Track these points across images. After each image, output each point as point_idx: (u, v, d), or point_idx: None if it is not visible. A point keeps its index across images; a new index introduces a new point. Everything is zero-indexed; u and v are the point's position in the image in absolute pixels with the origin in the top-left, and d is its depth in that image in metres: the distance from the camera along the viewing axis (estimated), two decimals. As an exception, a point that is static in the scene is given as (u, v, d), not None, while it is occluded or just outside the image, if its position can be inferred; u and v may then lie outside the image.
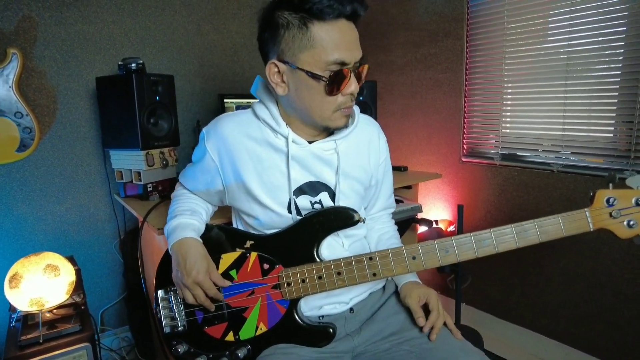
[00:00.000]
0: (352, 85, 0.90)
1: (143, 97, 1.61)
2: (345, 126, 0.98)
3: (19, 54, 1.62)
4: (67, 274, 1.38)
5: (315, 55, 0.86)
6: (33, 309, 1.31)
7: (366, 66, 0.94)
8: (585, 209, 0.89)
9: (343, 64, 0.87)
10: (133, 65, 1.64)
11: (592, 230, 0.89)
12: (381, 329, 1.01)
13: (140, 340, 1.97)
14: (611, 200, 0.88)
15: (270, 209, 0.98)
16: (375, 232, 1.17)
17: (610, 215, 0.88)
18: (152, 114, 1.68)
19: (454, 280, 2.08)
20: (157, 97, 1.67)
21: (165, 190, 1.74)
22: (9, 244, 1.73)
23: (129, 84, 1.59)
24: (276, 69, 0.91)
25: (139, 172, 1.68)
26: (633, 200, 0.87)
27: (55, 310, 1.40)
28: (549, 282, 1.91)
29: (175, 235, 0.98)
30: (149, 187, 1.69)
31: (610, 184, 0.89)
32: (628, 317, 1.68)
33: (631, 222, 0.87)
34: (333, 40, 0.86)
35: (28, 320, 1.37)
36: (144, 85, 1.61)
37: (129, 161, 1.70)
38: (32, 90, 1.73)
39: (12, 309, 1.39)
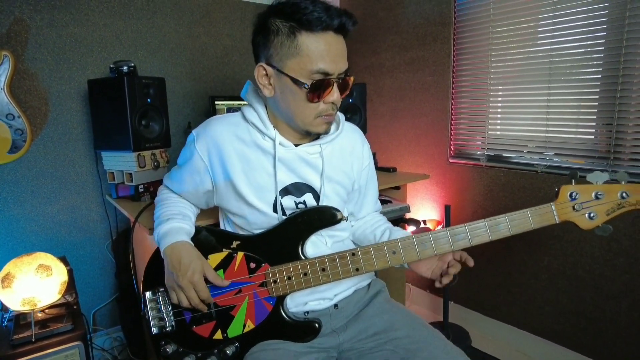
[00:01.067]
0: (333, 95, 0.94)
1: (135, 100, 1.64)
2: (326, 132, 1.01)
3: (11, 57, 1.64)
4: (59, 274, 1.40)
5: (300, 63, 0.90)
6: (25, 308, 1.32)
7: (352, 78, 0.98)
8: (551, 203, 0.95)
9: (326, 74, 0.91)
10: (124, 68, 1.66)
11: (557, 222, 0.95)
12: (366, 327, 1.04)
13: (132, 340, 1.98)
14: (574, 194, 0.94)
15: (257, 208, 1.01)
16: (372, 224, 1.20)
17: (573, 208, 0.94)
18: (144, 116, 1.70)
19: (442, 279, 2.13)
20: (149, 100, 1.70)
21: (156, 191, 1.75)
22: (1, 246, 1.74)
23: (120, 86, 1.61)
24: (264, 72, 0.96)
25: (130, 174, 1.70)
26: (593, 195, 0.94)
27: (47, 310, 1.42)
28: (534, 280, 1.96)
29: (168, 239, 1.00)
30: (141, 188, 1.71)
31: (573, 180, 0.95)
32: (609, 313, 1.73)
33: (592, 214, 0.94)
34: (318, 51, 0.89)
35: (20, 320, 1.39)
36: (135, 87, 1.64)
37: (120, 162, 1.72)
38: (24, 92, 1.75)
39: (4, 309, 1.41)
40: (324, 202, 1.04)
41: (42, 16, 1.76)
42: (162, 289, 1.03)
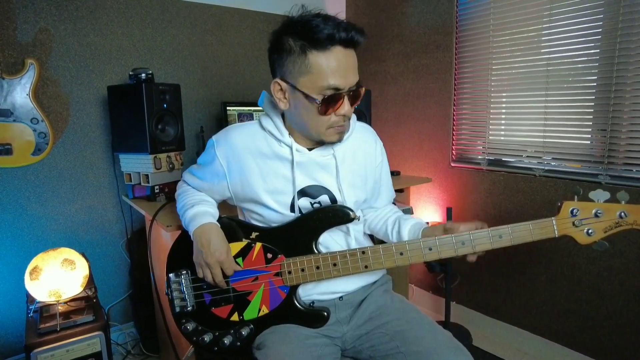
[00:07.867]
0: (344, 108, 0.99)
1: (152, 105, 1.73)
2: (339, 141, 1.08)
3: (36, 64, 1.74)
4: (82, 268, 1.49)
5: (312, 80, 0.96)
6: (51, 299, 1.41)
7: (363, 89, 1.04)
8: (552, 218, 1.00)
9: (337, 89, 0.96)
10: (143, 75, 1.76)
11: (557, 236, 1.00)
12: (362, 314, 1.13)
13: (144, 335, 2.06)
14: (575, 211, 0.99)
15: (274, 209, 1.09)
16: (384, 215, 1.26)
17: (573, 224, 1.00)
18: (160, 121, 1.80)
19: (444, 279, 2.20)
20: (165, 105, 1.79)
21: (171, 192, 1.84)
22: (23, 242, 1.84)
23: (138, 92, 1.71)
24: (279, 87, 1.02)
25: (147, 175, 1.79)
26: (593, 212, 0.99)
27: (69, 303, 1.51)
28: (533, 281, 2.02)
29: (196, 221, 1.08)
30: (156, 189, 1.80)
31: (576, 196, 1.00)
32: (605, 312, 1.80)
33: (590, 231, 0.99)
34: (329, 68, 0.94)
35: (44, 312, 1.47)
36: (152, 93, 1.73)
37: (137, 164, 1.81)
38: (47, 97, 1.85)
39: (30, 301, 1.49)
40: (338, 202, 1.12)
41: (65, 26, 1.86)
42: (185, 271, 1.11)
